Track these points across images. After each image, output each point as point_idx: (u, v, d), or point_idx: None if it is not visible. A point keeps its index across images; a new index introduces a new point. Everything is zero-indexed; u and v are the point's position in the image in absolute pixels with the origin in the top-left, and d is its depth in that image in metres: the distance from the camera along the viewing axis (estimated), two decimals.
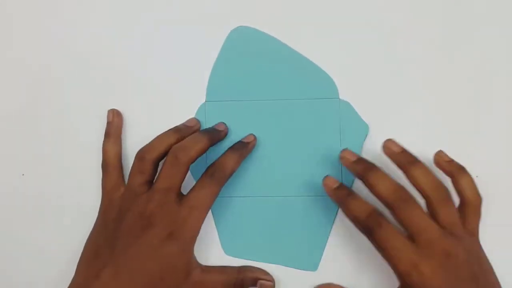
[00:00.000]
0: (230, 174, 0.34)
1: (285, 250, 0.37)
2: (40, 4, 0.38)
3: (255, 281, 0.35)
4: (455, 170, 0.34)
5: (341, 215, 0.37)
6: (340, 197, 0.33)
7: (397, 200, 0.31)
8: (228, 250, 0.37)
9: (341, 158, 0.34)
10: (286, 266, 0.37)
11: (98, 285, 0.30)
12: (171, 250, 0.31)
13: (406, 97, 0.38)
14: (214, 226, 0.37)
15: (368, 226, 0.31)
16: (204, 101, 0.38)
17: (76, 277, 0.33)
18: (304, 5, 0.38)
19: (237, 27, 0.38)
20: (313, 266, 0.37)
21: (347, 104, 0.37)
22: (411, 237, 0.31)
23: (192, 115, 0.38)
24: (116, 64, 0.38)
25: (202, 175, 0.33)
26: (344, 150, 0.35)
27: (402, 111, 0.38)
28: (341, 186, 0.34)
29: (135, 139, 0.38)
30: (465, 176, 0.34)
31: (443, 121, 0.37)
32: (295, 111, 0.37)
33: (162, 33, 0.38)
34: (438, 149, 0.36)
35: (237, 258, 0.37)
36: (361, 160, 0.34)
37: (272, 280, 0.35)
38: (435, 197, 0.32)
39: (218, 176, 0.33)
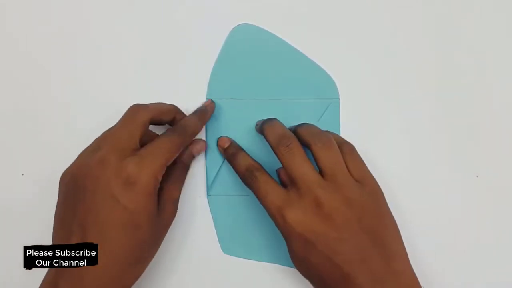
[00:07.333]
0: (192, 133, 0.35)
1: (284, 249, 0.37)
2: (40, 3, 0.38)
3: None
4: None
5: None
6: (229, 154, 0.36)
7: (279, 145, 0.32)
8: (226, 249, 0.37)
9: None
10: (284, 265, 0.37)
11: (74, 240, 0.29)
12: (129, 197, 0.30)
13: (406, 96, 0.37)
14: (213, 225, 0.37)
15: (245, 177, 0.34)
16: (205, 99, 0.38)
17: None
18: (307, 3, 0.38)
19: (239, 24, 0.38)
20: None
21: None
22: (290, 185, 0.32)
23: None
24: (117, 62, 0.38)
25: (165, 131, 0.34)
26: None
27: (402, 111, 0.37)
28: (231, 145, 0.36)
29: None
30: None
31: (443, 120, 0.37)
32: (295, 111, 0.37)
33: (164, 30, 0.38)
34: (438, 148, 0.36)
35: (235, 257, 0.37)
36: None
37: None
38: (315, 142, 0.32)
39: (179, 131, 0.33)
